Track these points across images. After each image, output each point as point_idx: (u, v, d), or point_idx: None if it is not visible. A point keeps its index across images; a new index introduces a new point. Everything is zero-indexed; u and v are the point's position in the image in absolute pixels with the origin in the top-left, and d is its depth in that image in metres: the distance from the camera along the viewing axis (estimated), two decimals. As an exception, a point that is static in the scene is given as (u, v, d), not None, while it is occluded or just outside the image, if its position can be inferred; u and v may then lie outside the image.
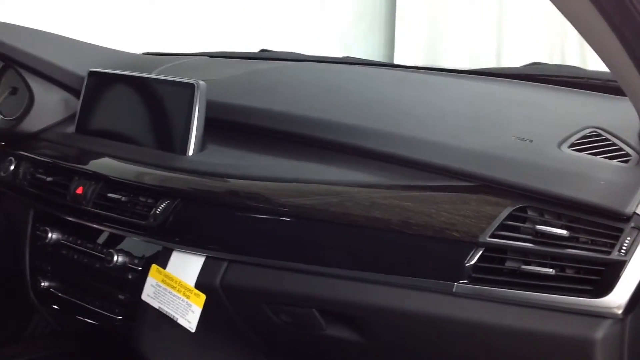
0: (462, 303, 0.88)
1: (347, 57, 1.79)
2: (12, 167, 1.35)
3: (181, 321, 1.06)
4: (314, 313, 0.99)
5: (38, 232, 1.31)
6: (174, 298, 1.07)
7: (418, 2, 2.93)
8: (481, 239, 0.86)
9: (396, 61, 2.85)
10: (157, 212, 1.09)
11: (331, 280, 0.96)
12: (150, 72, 1.36)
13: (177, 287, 1.07)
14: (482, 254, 0.87)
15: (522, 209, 0.87)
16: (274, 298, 1.02)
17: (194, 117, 1.13)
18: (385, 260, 0.92)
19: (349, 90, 1.29)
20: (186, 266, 1.07)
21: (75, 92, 1.36)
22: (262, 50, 1.85)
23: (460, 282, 0.87)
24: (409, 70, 1.50)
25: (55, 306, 1.35)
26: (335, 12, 2.86)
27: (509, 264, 0.87)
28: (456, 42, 2.84)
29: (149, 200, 1.11)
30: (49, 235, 1.29)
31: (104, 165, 1.21)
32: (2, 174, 1.36)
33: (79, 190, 1.20)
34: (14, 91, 1.43)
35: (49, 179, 1.28)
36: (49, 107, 1.38)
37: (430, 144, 0.98)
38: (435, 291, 0.89)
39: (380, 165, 1.00)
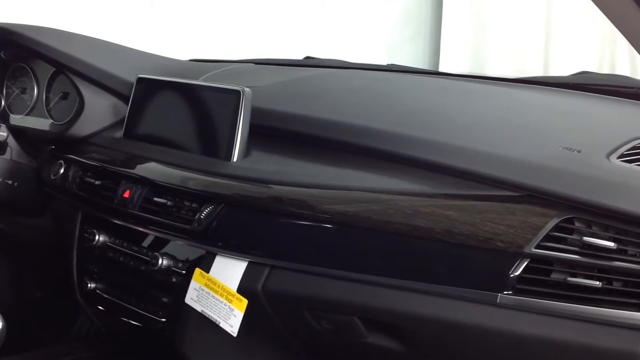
0: (506, 314, 0.86)
1: (392, 64, 1.79)
2: (61, 171, 1.38)
3: (223, 325, 1.07)
4: (355, 320, 0.98)
5: (86, 235, 1.34)
6: (217, 302, 1.08)
7: (465, 8, 2.91)
8: (526, 250, 0.85)
9: (441, 68, 2.83)
10: (202, 216, 1.10)
11: (373, 288, 0.96)
12: (196, 79, 1.38)
13: (219, 291, 1.08)
14: (527, 265, 0.85)
15: (569, 220, 0.85)
16: (315, 304, 1.02)
17: (239, 123, 1.15)
18: (428, 269, 0.92)
19: (393, 98, 1.29)
20: (229, 270, 1.08)
21: (124, 98, 1.39)
22: (307, 58, 1.86)
23: (505, 293, 0.86)
24: (455, 78, 1.49)
25: (100, 307, 1.38)
26: (379, 18, 2.86)
27: (554, 276, 0.85)
28: (503, 49, 2.81)
29: (194, 205, 1.13)
30: (96, 237, 1.31)
31: (151, 169, 1.23)
32: (52, 177, 1.39)
33: (126, 194, 1.22)
34: (64, 96, 1.46)
35: (97, 182, 1.30)
36: (98, 112, 1.40)
37: (475, 152, 0.97)
38: (478, 301, 0.88)
39: (423, 173, 0.99)
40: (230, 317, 1.06)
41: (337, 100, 1.29)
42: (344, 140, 1.11)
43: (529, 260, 0.85)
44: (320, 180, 1.04)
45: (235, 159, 1.14)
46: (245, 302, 1.05)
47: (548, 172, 0.90)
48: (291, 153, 1.15)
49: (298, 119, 1.19)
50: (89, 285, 1.36)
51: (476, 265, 0.89)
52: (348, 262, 0.98)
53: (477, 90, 1.33)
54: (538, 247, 0.84)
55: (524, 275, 0.85)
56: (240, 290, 1.06)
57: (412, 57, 2.95)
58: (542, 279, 0.85)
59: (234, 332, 1.06)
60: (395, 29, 2.92)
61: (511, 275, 0.86)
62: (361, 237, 0.97)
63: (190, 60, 1.78)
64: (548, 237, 0.85)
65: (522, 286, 0.86)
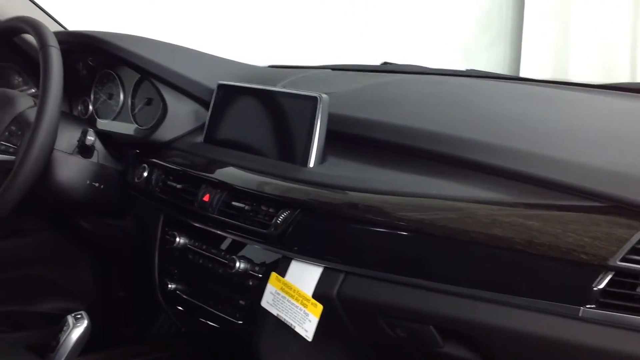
0: (589, 328, 0.83)
1: (471, 69, 1.76)
2: (145, 174, 1.42)
3: (298, 329, 1.08)
4: (431, 329, 0.97)
5: (167, 237, 1.37)
6: (292, 306, 1.09)
7: (547, 11, 2.83)
8: (611, 263, 0.81)
9: (522, 74, 2.77)
10: (278, 221, 1.11)
11: (450, 297, 0.94)
12: (275, 85, 1.40)
13: (295, 296, 1.09)
14: (611, 278, 0.82)
15: (657, 233, 0.81)
16: (390, 312, 1.01)
17: (316, 129, 1.15)
18: (506, 280, 0.90)
19: (472, 104, 1.26)
20: (304, 275, 1.09)
21: (205, 104, 1.42)
22: (385, 63, 1.85)
23: (588, 306, 0.83)
24: (536, 84, 1.45)
25: (180, 307, 1.41)
26: (458, 22, 2.82)
27: (641, 290, 0.82)
28: (587, 54, 2.72)
29: (271, 210, 1.14)
30: (177, 239, 1.35)
31: (230, 174, 1.25)
32: (136, 180, 1.44)
33: (206, 198, 1.25)
34: (149, 102, 1.51)
35: (178, 186, 1.34)
36: (180, 117, 1.44)
37: (558, 161, 0.95)
38: (559, 315, 0.85)
39: (503, 181, 0.97)
40: (305, 321, 1.07)
41: (414, 106, 1.28)
42: (421, 147, 1.10)
43: (613, 273, 0.82)
44: (397, 187, 1.03)
45: (311, 165, 1.15)
46: (320, 307, 1.06)
47: (635, 183, 0.86)
48: (368, 159, 1.15)
49: (375, 125, 1.19)
50: (170, 285, 1.39)
51: (557, 277, 0.86)
52: (424, 270, 0.97)
53: (560, 96, 1.29)
54: (623, 259, 0.81)
55: (608, 288, 0.82)
56: (315, 295, 1.06)
57: (492, 62, 2.90)
58: (627, 293, 0.82)
59: (308, 337, 1.06)
60: (474, 33, 2.88)
61: (594, 289, 0.83)
62: (437, 245, 0.95)
63: (269, 66, 1.81)
64: (634, 250, 0.81)
65: (606, 300, 0.82)
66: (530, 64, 2.81)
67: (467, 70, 1.75)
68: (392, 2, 2.60)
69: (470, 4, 2.86)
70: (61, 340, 1.21)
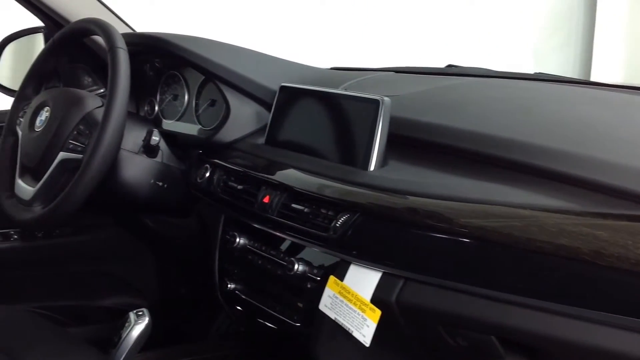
0: (660, 345, 0.80)
1: (539, 73, 1.71)
2: (207, 174, 1.44)
3: (356, 334, 1.07)
4: (492, 340, 0.94)
5: (227, 237, 1.38)
6: (350, 311, 1.08)
7: (621, 13, 2.74)
8: (685, 277, 0.77)
9: (593, 78, 2.69)
10: (337, 224, 1.10)
11: (513, 307, 0.91)
12: (337, 87, 1.39)
13: (353, 300, 1.08)
14: (686, 293, 0.78)
15: None
16: (450, 320, 0.99)
17: (377, 132, 1.14)
18: (573, 292, 0.86)
19: (540, 109, 1.23)
20: (363, 280, 1.08)
21: (267, 105, 1.43)
22: (449, 66, 1.82)
23: (659, 322, 0.79)
24: (608, 88, 1.40)
25: (239, 307, 1.42)
26: (527, 24, 2.76)
27: None
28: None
29: (330, 213, 1.14)
30: (237, 240, 1.36)
31: (290, 176, 1.25)
32: (199, 180, 1.45)
33: (266, 199, 1.25)
34: (212, 103, 1.53)
35: (239, 186, 1.35)
36: (242, 118, 1.45)
37: (629, 169, 0.91)
38: (628, 329, 0.82)
39: (570, 189, 0.94)
40: (363, 326, 1.06)
41: (479, 110, 1.25)
42: (485, 152, 1.07)
43: (687, 287, 0.78)
44: (459, 192, 1.01)
45: (372, 168, 1.14)
46: (378, 312, 1.04)
47: None
48: (429, 164, 1.13)
49: (438, 129, 1.17)
50: (229, 285, 1.41)
51: (626, 290, 0.82)
52: (486, 278, 0.94)
53: (633, 101, 1.24)
54: (700, 274, 0.77)
55: (683, 304, 0.78)
56: (374, 300, 1.05)
57: (561, 65, 2.83)
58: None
59: (366, 342, 1.05)
60: (543, 36, 2.81)
61: (667, 304, 0.79)
62: (500, 253, 0.92)
63: (332, 68, 1.80)
64: None
65: (679, 316, 0.78)
66: (602, 67, 2.73)
67: (535, 73, 1.70)
68: (459, 3, 2.56)
69: (539, 4, 2.79)
70: (123, 337, 1.24)
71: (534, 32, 2.75)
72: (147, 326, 1.26)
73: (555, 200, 0.93)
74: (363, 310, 1.06)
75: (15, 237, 1.79)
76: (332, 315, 1.11)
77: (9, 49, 1.82)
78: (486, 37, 2.59)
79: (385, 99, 1.16)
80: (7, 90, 1.81)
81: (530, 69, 1.97)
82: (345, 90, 1.37)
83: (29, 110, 1.49)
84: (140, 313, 1.27)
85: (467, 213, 0.96)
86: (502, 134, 1.09)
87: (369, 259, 1.08)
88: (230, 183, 1.38)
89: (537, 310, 0.89)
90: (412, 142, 1.19)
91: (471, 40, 2.53)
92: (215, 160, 1.44)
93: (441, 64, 1.86)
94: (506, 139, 1.07)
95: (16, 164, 1.49)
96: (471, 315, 0.96)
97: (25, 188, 1.43)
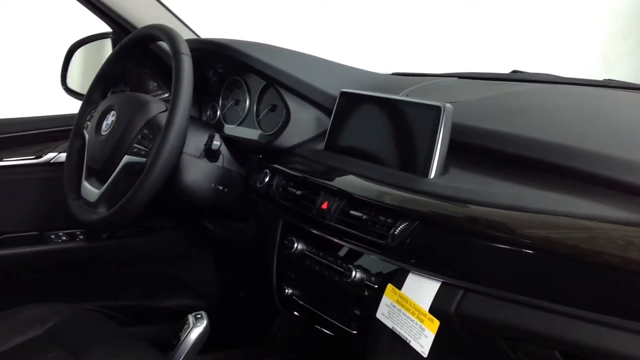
0: None
1: (609, 79, 1.66)
2: (266, 179, 1.45)
3: (414, 344, 1.05)
4: (555, 354, 0.91)
5: (285, 241, 1.39)
6: (408, 320, 1.06)
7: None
8: None
9: (666, 84, 2.58)
10: (396, 232, 1.09)
11: (578, 321, 0.88)
12: (397, 93, 1.37)
13: (411, 310, 1.06)
14: None
15: None
16: (512, 333, 0.96)
17: (438, 140, 1.12)
18: (642, 308, 0.83)
19: (608, 117, 1.19)
20: (421, 289, 1.06)
21: (327, 111, 1.42)
22: (514, 71, 1.78)
23: None
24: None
25: (296, 313, 1.42)
26: (596, 29, 2.68)
27: None
28: None
29: (389, 220, 1.12)
30: (295, 245, 1.36)
31: (349, 182, 1.24)
32: (258, 185, 1.46)
33: (324, 205, 1.25)
34: (273, 108, 1.54)
35: (298, 192, 1.35)
36: (302, 124, 1.45)
37: None
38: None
39: (639, 201, 0.90)
40: (421, 336, 1.04)
41: (544, 118, 1.21)
42: (550, 161, 1.04)
43: None
44: (522, 202, 0.98)
45: (432, 176, 1.12)
46: (437, 323, 1.02)
47: None
48: (492, 172, 1.10)
49: (501, 136, 1.14)
50: (287, 290, 1.41)
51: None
52: (550, 291, 0.91)
53: None
54: None
55: None
56: (432, 310, 1.03)
57: (632, 71, 2.73)
58: None
59: (424, 353, 1.03)
60: (613, 41, 2.72)
61: None
62: (565, 266, 0.89)
63: (393, 74, 1.79)
64: None
65: None
66: (676, 73, 2.62)
67: (604, 80, 1.64)
68: (524, 7, 2.50)
69: (609, 9, 2.70)
70: (181, 339, 1.26)
71: (603, 37, 2.66)
72: (205, 329, 1.28)
73: (622, 212, 0.89)
74: (421, 320, 1.04)
75: (81, 237, 1.85)
76: (390, 324, 1.09)
77: (78, 54, 1.87)
78: (553, 42, 2.53)
79: (447, 105, 1.14)
80: (76, 94, 1.86)
81: (599, 75, 1.90)
82: (406, 96, 1.35)
83: (96, 114, 1.53)
84: (199, 316, 1.29)
85: (531, 223, 0.94)
86: (567, 142, 1.05)
87: (427, 268, 1.06)
88: (289, 188, 1.38)
89: (602, 325, 0.86)
90: (474, 150, 1.16)
91: (537, 46, 2.47)
92: (275, 165, 1.44)
93: (506, 69, 1.82)
94: (571, 148, 1.03)
95: (83, 166, 1.53)
96: (534, 329, 0.93)
97: (91, 190, 1.47)
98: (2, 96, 2.86)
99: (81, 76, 1.88)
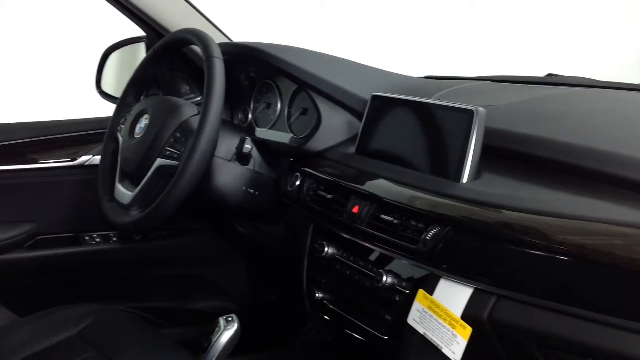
0: None
1: (647, 83, 1.63)
2: (297, 183, 1.45)
3: (445, 351, 1.04)
4: (589, 363, 0.90)
5: (316, 245, 1.38)
6: (439, 326, 1.05)
7: None
8: None
9: None
10: (427, 237, 1.08)
11: (613, 330, 0.86)
12: (430, 97, 1.36)
13: (443, 316, 1.05)
14: None
15: None
16: (546, 341, 0.95)
17: (471, 144, 1.11)
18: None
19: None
20: (453, 295, 1.05)
21: (358, 114, 1.42)
22: (549, 75, 1.75)
23: None
24: None
25: (326, 317, 1.41)
26: (633, 31, 2.63)
27: None
28: None
29: (420, 225, 1.11)
30: (325, 249, 1.35)
31: (379, 186, 1.23)
32: (289, 188, 1.46)
33: (355, 209, 1.24)
34: (304, 112, 1.54)
35: (328, 196, 1.34)
36: (333, 127, 1.45)
37: None
38: None
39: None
40: (453, 343, 1.03)
41: (580, 122, 1.19)
42: (584, 166, 1.02)
43: None
44: (556, 208, 0.96)
45: (464, 180, 1.11)
46: (469, 329, 1.01)
47: None
48: (525, 177, 1.08)
49: (534, 141, 1.12)
50: (317, 294, 1.40)
51: None
52: (585, 299, 0.89)
53: None
54: None
55: None
56: (464, 316, 1.02)
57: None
58: None
59: (456, 360, 1.02)
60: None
61: None
62: (600, 273, 0.88)
63: (425, 77, 1.78)
64: None
65: None
66: None
67: (640, 83, 1.62)
68: (559, 9, 2.47)
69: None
70: (212, 342, 1.26)
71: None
72: (236, 332, 1.28)
73: (661, 219, 0.87)
74: (453, 327, 1.03)
75: (114, 239, 1.87)
76: (421, 330, 1.08)
77: (112, 58, 1.90)
78: (589, 45, 2.48)
79: (480, 109, 1.12)
80: (110, 98, 1.89)
81: (635, 79, 1.87)
82: (438, 99, 1.34)
83: (129, 117, 1.54)
84: (230, 319, 1.29)
85: (565, 229, 0.92)
86: (602, 147, 1.03)
87: (459, 274, 1.05)
88: (319, 192, 1.38)
89: (638, 334, 0.84)
90: (507, 154, 1.15)
91: (572, 49, 2.43)
92: (306, 169, 1.44)
93: (540, 73, 1.80)
94: (606, 153, 1.01)
95: (116, 169, 1.55)
96: (569, 337, 0.91)
97: (124, 192, 1.48)
98: (39, 99, 2.91)
99: (115, 80, 1.90)
